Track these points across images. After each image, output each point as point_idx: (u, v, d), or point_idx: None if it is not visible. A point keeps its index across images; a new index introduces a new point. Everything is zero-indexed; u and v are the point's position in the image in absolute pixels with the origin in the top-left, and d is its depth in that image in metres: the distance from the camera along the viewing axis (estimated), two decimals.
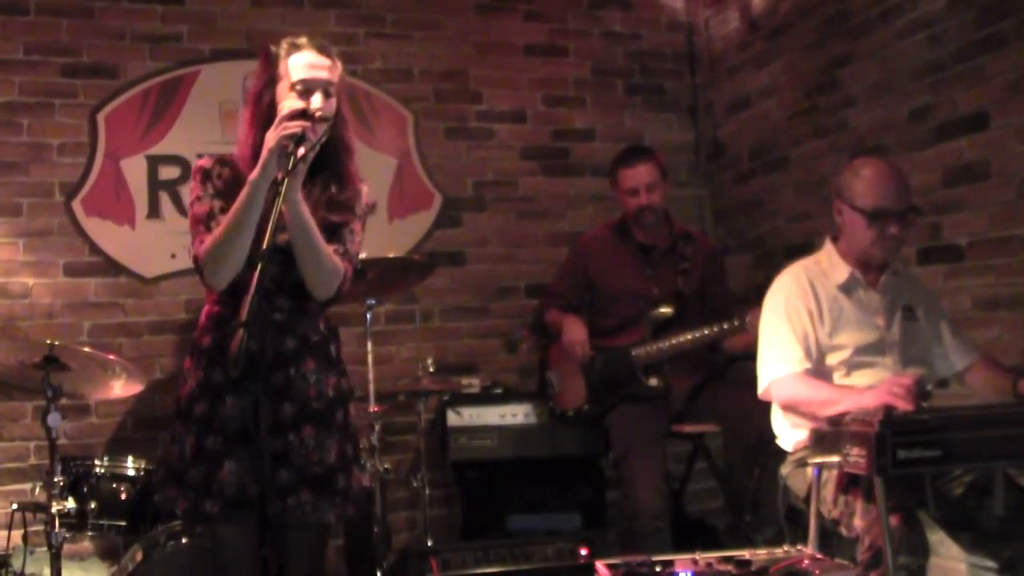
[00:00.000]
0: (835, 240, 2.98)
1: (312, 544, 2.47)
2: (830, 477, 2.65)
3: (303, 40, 2.34)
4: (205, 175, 2.35)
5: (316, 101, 2.27)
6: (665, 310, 3.83)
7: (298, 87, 2.28)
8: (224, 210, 2.28)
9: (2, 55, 4.04)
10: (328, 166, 2.35)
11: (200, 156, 2.45)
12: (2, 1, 4.04)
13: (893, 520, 2.38)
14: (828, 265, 2.95)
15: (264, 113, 2.32)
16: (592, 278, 4.04)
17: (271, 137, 2.15)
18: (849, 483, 2.58)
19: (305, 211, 2.24)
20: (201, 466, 2.28)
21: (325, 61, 2.33)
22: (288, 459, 2.31)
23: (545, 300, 4.22)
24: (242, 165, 2.33)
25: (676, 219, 4.12)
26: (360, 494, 2.45)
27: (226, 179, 2.33)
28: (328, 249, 2.30)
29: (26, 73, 4.06)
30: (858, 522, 2.54)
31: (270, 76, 2.33)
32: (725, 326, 3.58)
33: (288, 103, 2.22)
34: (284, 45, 2.34)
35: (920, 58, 3.65)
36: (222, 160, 2.37)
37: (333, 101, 2.33)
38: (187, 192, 2.74)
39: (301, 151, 2.11)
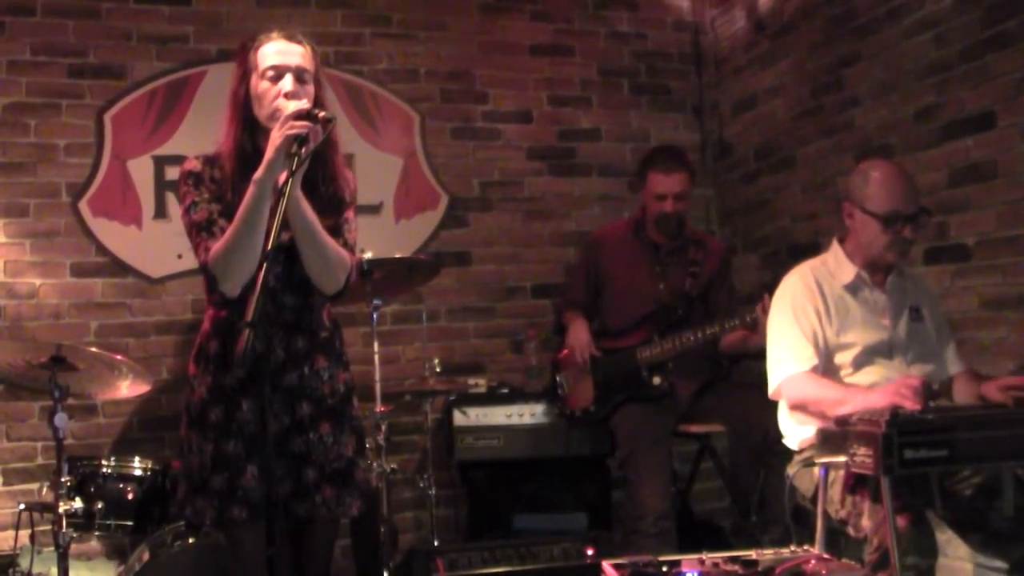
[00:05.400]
0: (842, 241, 2.99)
1: (327, 541, 2.48)
2: (837, 477, 2.65)
3: (274, 32, 2.36)
4: (197, 179, 2.34)
5: (287, 84, 2.27)
6: (671, 311, 3.84)
7: (269, 73, 2.29)
8: (223, 213, 2.27)
9: (9, 56, 4.05)
10: (317, 163, 2.32)
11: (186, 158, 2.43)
12: (9, 2, 4.05)
13: (901, 520, 2.38)
14: (835, 265, 2.96)
15: (241, 107, 2.33)
16: (601, 274, 4.06)
17: (277, 136, 2.15)
18: (856, 483, 2.57)
19: (307, 208, 2.24)
20: (223, 472, 2.28)
21: (296, 48, 2.33)
22: (311, 458, 2.32)
23: (562, 300, 4.25)
24: (227, 161, 2.32)
25: (690, 221, 4.13)
26: (366, 486, 2.47)
27: (219, 180, 2.32)
28: (332, 242, 2.32)
29: (33, 74, 4.07)
30: (865, 522, 2.53)
31: (244, 70, 2.35)
32: (727, 324, 3.58)
33: (293, 103, 2.21)
34: (258, 39, 2.36)
35: (926, 58, 3.64)
36: (209, 160, 2.36)
37: (310, 88, 2.32)
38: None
39: (304, 151, 2.11)
